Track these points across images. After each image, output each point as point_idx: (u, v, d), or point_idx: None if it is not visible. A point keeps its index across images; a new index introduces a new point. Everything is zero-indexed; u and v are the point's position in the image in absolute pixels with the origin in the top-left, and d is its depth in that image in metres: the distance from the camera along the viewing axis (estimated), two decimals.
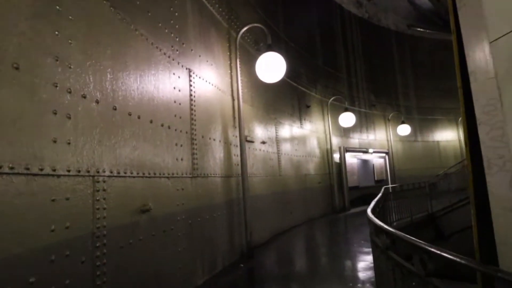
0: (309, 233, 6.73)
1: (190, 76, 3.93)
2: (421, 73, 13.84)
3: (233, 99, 5.14)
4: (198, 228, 3.56)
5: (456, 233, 6.70)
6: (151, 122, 3.02)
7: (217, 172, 4.19)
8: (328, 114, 9.59)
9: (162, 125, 3.18)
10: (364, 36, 12.33)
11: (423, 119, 13.36)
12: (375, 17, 13.20)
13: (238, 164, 4.90)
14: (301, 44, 8.91)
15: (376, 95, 12.22)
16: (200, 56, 4.31)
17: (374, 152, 11.02)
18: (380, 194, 5.25)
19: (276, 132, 6.86)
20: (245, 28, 5.29)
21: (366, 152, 10.63)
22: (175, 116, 3.44)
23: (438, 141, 13.60)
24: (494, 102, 2.69)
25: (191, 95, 3.86)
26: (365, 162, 11.05)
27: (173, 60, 3.63)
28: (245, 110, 5.45)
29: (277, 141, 6.84)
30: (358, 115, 11.18)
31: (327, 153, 9.32)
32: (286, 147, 7.23)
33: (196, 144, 3.74)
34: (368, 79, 12.08)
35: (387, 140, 12.21)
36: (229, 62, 5.26)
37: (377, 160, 11.50)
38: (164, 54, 3.47)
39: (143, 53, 3.10)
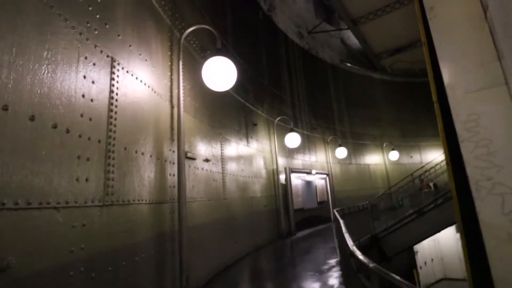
0: (257, 267, 5.76)
1: (113, 66, 2.82)
2: (353, 102, 14.69)
3: (172, 106, 4.10)
4: (108, 283, 2.32)
5: (397, 254, 6.51)
6: (32, 119, 1.84)
7: (144, 197, 3.03)
8: (274, 134, 9.07)
9: (54, 127, 1.99)
10: (305, 64, 12.57)
11: (356, 144, 13.98)
12: (314, 49, 13.72)
13: (174, 186, 3.78)
14: (248, 62, 8.38)
15: (316, 118, 12.35)
16: (131, 46, 3.24)
17: (316, 173, 10.84)
18: (343, 226, 4.60)
19: (221, 149, 5.92)
20: (190, 29, 4.40)
21: (309, 173, 10.36)
22: (81, 116, 2.28)
23: (368, 164, 14.32)
24: (475, 117, 2.30)
25: (112, 91, 2.73)
26: (308, 184, 10.76)
27: (87, 40, 2.52)
28: (186, 121, 4.43)
29: (223, 159, 5.90)
30: (301, 136, 10.98)
31: (273, 174, 8.69)
32: (232, 167, 6.31)
33: (114, 159, 2.58)
34: (309, 103, 12.19)
35: (327, 162, 12.28)
36: (169, 63, 4.25)
37: (319, 181, 11.36)
38: (73, 28, 2.35)
39: (32, 15, 1.95)
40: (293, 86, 11.39)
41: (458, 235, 11.38)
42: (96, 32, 2.66)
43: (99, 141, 2.42)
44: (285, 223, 8.63)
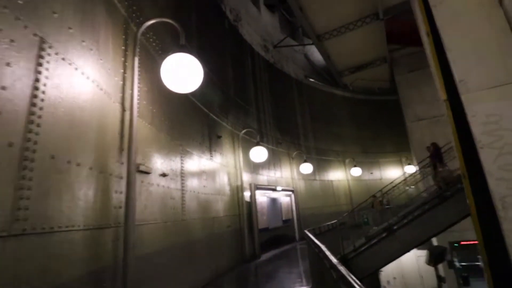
0: None
1: (41, 49, 2.21)
2: (317, 117, 15.04)
3: (123, 109, 3.50)
4: None
5: (368, 275, 6.37)
6: None
7: (77, 221, 2.37)
8: (239, 148, 8.67)
9: None
10: (271, 78, 12.60)
11: (320, 159, 14.18)
12: (279, 63, 13.90)
13: (121, 207, 3.13)
14: (213, 70, 8.01)
15: (281, 133, 12.28)
16: (71, 29, 2.65)
17: (282, 190, 10.60)
18: (324, 248, 4.24)
19: (181, 163, 5.33)
20: (150, 22, 3.89)
21: (274, 189, 10.07)
22: None
23: (332, 181, 14.57)
24: (496, 119, 1.95)
25: (38, 79, 2.12)
26: (273, 201, 10.44)
27: (4, 8, 1.92)
28: (141, 128, 3.84)
29: (182, 174, 5.30)
30: (267, 151, 10.75)
31: (238, 191, 8.20)
32: (193, 183, 5.72)
33: (32, 170, 1.93)
34: (275, 117, 12.12)
35: (292, 178, 12.16)
36: (123, 59, 3.69)
37: (284, 198, 11.12)
38: None
39: None
40: (258, 99, 11.24)
41: (418, 252, 11.82)
42: (20, 1, 2.07)
43: (10, 145, 1.79)
44: (249, 245, 8.10)
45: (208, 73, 7.54)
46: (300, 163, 12.34)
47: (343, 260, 6.90)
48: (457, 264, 13.40)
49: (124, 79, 3.59)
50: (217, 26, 9.22)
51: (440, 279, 10.96)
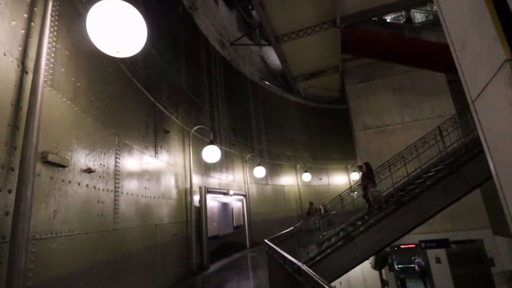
0: None
1: None
2: (271, 121, 14.71)
3: (23, 70, 2.41)
4: None
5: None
6: None
7: None
8: (189, 146, 7.68)
9: None
10: (226, 75, 11.86)
11: (272, 164, 13.81)
12: (235, 62, 13.26)
13: (7, 213, 2.05)
14: (163, 54, 6.97)
15: (235, 134, 11.57)
16: None
17: (234, 194, 9.83)
18: (290, 257, 3.58)
19: (116, 158, 4.23)
20: None
21: (226, 194, 9.25)
22: None
23: (283, 185, 14.30)
24: None
25: None
26: (225, 206, 9.59)
27: None
28: (55, 103, 2.76)
29: (117, 172, 4.20)
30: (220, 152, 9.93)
31: (186, 194, 7.19)
32: (131, 184, 4.63)
33: None
34: (229, 117, 11.37)
35: (244, 182, 11.48)
36: (29, 0, 2.58)
37: (236, 203, 10.35)
38: None
39: None
40: (213, 96, 10.38)
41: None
42: None
43: None
44: (197, 255, 7.12)
45: (156, 57, 6.51)
46: (253, 167, 11.76)
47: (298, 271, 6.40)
48: (395, 267, 14.17)
49: (28, 28, 2.50)
50: (170, 9, 8.19)
51: (383, 283, 11.29)
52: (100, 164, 3.75)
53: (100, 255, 3.54)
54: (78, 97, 3.32)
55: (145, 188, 5.18)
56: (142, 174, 5.12)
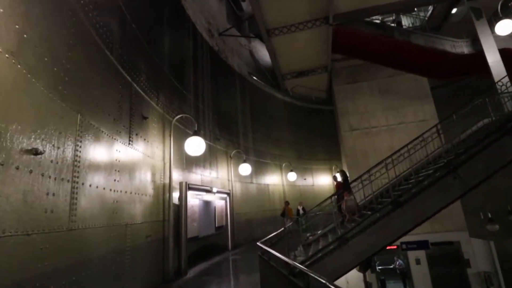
0: None
1: None
2: (257, 118, 14.04)
3: None
4: None
5: None
6: None
7: None
8: (170, 137, 6.84)
9: None
10: (214, 66, 11.06)
11: (258, 162, 13.13)
12: (224, 53, 12.48)
13: None
14: (144, 32, 6.11)
15: (220, 129, 10.78)
16: None
17: (217, 192, 9.04)
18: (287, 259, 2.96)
19: (78, 141, 3.37)
20: None
21: (209, 191, 8.45)
22: None
23: (268, 184, 13.66)
24: None
25: None
26: (207, 205, 8.75)
27: None
28: None
29: (78, 158, 3.34)
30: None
31: (164, 191, 6.33)
32: (96, 175, 3.77)
33: None
34: (215, 110, 10.57)
35: (229, 180, 10.71)
36: None
37: (218, 202, 9.54)
38: None
39: None
40: (198, 86, 9.55)
41: None
42: None
43: None
44: (174, 259, 6.29)
45: (135, 32, 5.65)
46: (238, 164, 11.03)
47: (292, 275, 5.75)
48: (376, 268, 13.94)
49: None
50: None
51: (367, 285, 10.92)
52: (53, 146, 2.90)
53: (47, 263, 2.70)
54: (24, 52, 2.47)
55: (115, 180, 4.32)
56: (111, 164, 4.26)
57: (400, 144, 13.49)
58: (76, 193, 3.23)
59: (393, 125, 13.56)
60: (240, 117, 12.73)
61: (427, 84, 13.77)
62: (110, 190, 4.12)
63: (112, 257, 3.98)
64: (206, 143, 9.21)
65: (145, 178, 5.48)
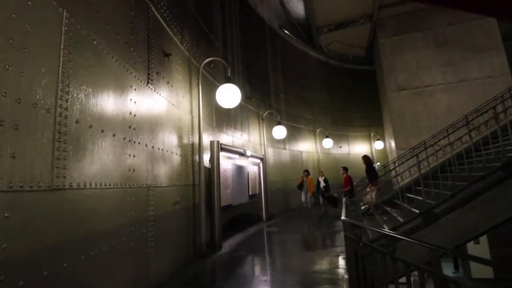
0: None
1: None
2: (289, 78, 12.37)
3: None
4: None
5: None
6: None
7: None
8: (198, 86, 5.52)
9: None
10: (242, 14, 9.35)
11: (291, 126, 11.67)
12: (252, 1, 10.64)
13: None
14: None
15: (251, 86, 9.33)
16: None
17: (251, 156, 7.83)
18: None
19: (64, 50, 2.10)
20: None
21: (243, 154, 7.24)
22: None
23: (301, 151, 12.30)
24: None
25: None
26: (239, 170, 7.59)
27: None
28: None
29: (64, 73, 2.09)
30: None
31: (193, 150, 5.15)
32: (98, 109, 2.54)
33: None
34: (244, 64, 9.06)
35: (261, 144, 9.46)
36: None
37: (251, 167, 8.38)
38: None
39: None
40: (226, 33, 8.01)
41: None
42: None
43: None
44: (207, 230, 5.25)
45: None
46: (270, 127, 9.69)
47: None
48: None
49: None
50: None
51: None
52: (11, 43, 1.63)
53: (9, 246, 1.55)
54: None
55: (131, 129, 3.10)
56: (125, 104, 3.02)
57: (461, 106, 11.55)
58: (63, 128, 2.02)
59: (451, 83, 11.38)
60: (271, 75, 11.14)
61: (498, 33, 11.23)
62: (123, 138, 2.92)
63: (127, 232, 2.86)
64: None
65: (169, 131, 4.27)
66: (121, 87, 2.97)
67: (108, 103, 2.70)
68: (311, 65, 14.19)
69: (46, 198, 1.85)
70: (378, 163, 15.69)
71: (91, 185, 2.30)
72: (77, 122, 2.20)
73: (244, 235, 6.64)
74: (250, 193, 7.93)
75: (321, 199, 10.02)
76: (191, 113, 5.26)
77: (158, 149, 3.79)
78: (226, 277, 3.92)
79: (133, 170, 3.07)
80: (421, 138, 11.70)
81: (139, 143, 3.25)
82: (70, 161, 2.08)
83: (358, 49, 15.20)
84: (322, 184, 10.03)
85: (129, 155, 3.01)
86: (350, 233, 3.12)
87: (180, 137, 4.65)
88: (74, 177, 2.11)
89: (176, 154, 4.44)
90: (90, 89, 2.41)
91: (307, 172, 10.17)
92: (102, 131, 2.54)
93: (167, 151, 4.09)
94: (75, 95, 2.20)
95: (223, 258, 4.83)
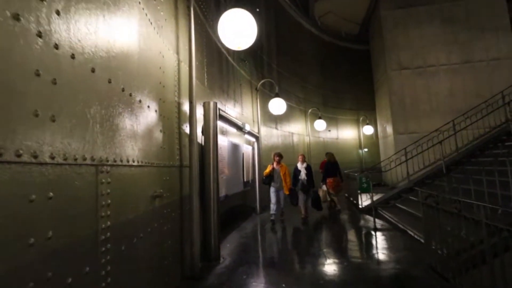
0: None
1: None
2: (282, 48, 10.55)
3: None
4: None
5: None
6: None
7: None
8: (190, 15, 3.52)
9: None
10: None
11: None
12: None
13: None
14: None
15: (245, 52, 7.40)
16: None
17: (248, 132, 6.02)
18: None
19: None
20: None
21: (241, 129, 5.41)
22: None
23: (292, 133, 10.72)
24: None
25: None
26: (235, 150, 5.68)
27: None
28: None
29: None
30: (225, 66, 5.88)
31: (180, 113, 3.24)
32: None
33: None
34: None
35: (254, 121, 7.67)
36: None
37: (246, 148, 6.56)
38: None
39: None
40: None
41: None
42: None
43: None
44: (200, 236, 3.44)
45: None
46: (263, 101, 7.95)
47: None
48: None
49: None
50: None
51: None
52: None
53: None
54: None
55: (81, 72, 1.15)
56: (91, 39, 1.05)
57: (464, 90, 10.72)
58: None
59: (455, 64, 10.42)
60: (265, 42, 9.24)
61: (506, 13, 10.39)
62: (75, 88, 0.98)
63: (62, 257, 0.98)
64: (229, 62, 5.95)
65: (144, 67, 2.31)
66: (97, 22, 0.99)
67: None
68: (304, 37, 12.44)
69: None
70: (366, 149, 14.83)
71: None
72: None
73: (241, 234, 4.92)
74: (245, 179, 6.16)
75: (300, 198, 6.15)
76: (177, 53, 3.29)
77: (123, 90, 1.86)
78: None
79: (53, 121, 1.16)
80: (421, 123, 10.78)
81: (86, 92, 1.31)
82: None
83: (353, 25, 13.77)
84: (304, 174, 6.25)
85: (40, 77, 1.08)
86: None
87: (161, 86, 2.70)
88: None
89: (156, 111, 2.51)
90: None
91: (278, 156, 6.30)
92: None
93: (140, 101, 2.16)
94: None
95: (224, 280, 3.07)
